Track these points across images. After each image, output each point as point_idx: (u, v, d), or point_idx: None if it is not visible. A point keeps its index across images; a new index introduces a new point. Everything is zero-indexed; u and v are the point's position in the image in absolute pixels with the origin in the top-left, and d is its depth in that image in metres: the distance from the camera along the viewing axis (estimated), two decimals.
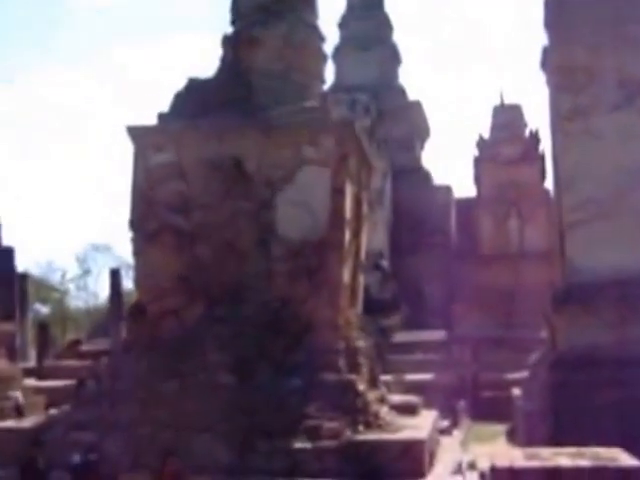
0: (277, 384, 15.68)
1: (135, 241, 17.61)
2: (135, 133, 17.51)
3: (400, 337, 32.23)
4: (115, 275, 52.72)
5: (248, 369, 15.89)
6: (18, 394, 21.59)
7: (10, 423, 18.40)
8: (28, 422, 17.59)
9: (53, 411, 18.14)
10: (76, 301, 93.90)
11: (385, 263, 37.19)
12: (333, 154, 17.00)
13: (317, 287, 16.66)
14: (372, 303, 22.68)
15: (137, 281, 18.19)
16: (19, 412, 19.32)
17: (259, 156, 16.96)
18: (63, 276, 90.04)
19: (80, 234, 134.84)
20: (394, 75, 47.94)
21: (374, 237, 21.14)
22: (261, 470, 14.36)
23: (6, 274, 46.25)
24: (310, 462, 14.46)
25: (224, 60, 18.34)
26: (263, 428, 14.93)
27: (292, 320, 16.51)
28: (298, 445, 14.66)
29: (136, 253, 17.87)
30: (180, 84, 18.10)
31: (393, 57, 47.90)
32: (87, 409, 16.15)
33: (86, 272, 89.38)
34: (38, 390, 32.90)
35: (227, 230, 16.94)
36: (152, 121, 17.87)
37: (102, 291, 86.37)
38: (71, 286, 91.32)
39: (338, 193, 16.98)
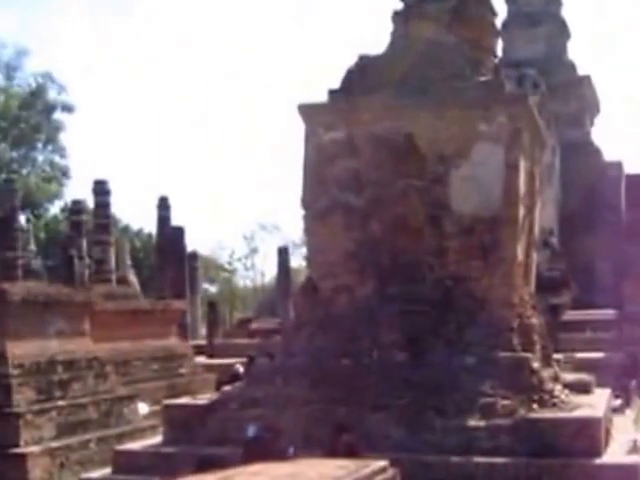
0: (450, 362, 15.55)
1: (306, 219, 17.73)
2: (306, 111, 17.56)
3: (570, 315, 31.89)
4: (283, 253, 53.66)
5: (421, 347, 15.80)
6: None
7: (184, 400, 18.92)
8: (202, 398, 18.01)
9: (226, 388, 18.48)
10: (244, 280, 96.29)
11: (554, 240, 36.61)
12: (507, 129, 16.62)
13: (491, 264, 16.37)
14: (542, 281, 22.23)
15: (308, 258, 18.41)
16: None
17: (431, 132, 16.72)
18: (231, 255, 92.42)
19: (248, 213, 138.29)
20: (563, 50, 47.35)
21: (543, 214, 20.73)
22: (434, 447, 14.31)
23: (176, 253, 47.79)
24: (483, 440, 14.31)
25: (394, 35, 18.16)
26: (436, 405, 14.86)
27: (465, 298, 16.29)
28: (472, 423, 14.52)
29: (307, 231, 18.05)
30: (351, 61, 18.02)
31: (562, 32, 47.34)
32: (260, 386, 16.37)
33: (253, 251, 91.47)
34: (209, 368, 33.87)
35: (399, 207, 16.81)
36: (322, 98, 17.87)
37: (269, 270, 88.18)
38: (239, 265, 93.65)
39: (512, 169, 16.60)
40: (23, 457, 18.86)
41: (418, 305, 16.22)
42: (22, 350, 20.80)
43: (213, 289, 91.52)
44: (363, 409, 15.00)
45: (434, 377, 15.25)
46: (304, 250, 77.49)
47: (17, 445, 19.19)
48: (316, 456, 12.33)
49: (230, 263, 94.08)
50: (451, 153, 16.66)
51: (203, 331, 51.99)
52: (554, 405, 15.29)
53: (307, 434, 14.45)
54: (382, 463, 11.49)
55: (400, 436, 14.61)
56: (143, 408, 25.24)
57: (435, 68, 17.27)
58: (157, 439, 17.59)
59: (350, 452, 12.57)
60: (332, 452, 12.74)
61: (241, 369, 22.55)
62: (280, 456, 12.83)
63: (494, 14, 18.79)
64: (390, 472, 11.47)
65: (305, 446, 13.54)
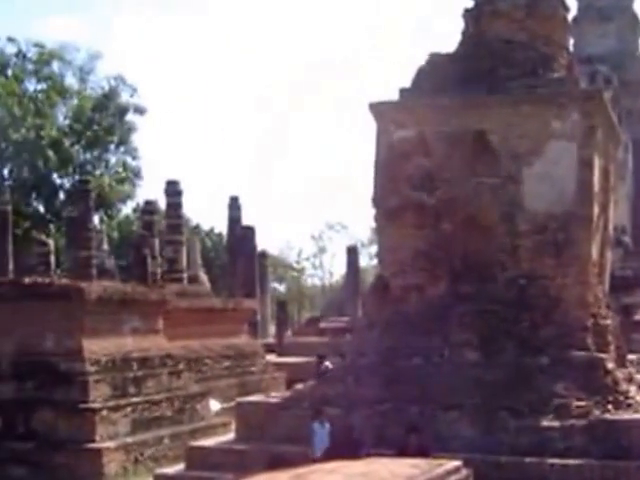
0: (523, 362, 15.45)
1: (377, 218, 17.70)
2: (377, 109, 17.54)
3: None
4: (352, 252, 53.70)
5: (493, 347, 15.71)
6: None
7: (257, 397, 19.04)
8: (274, 396, 18.10)
9: (298, 386, 18.55)
10: (312, 279, 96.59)
11: (627, 239, 36.02)
12: (580, 126, 16.43)
13: (565, 263, 16.19)
14: (614, 280, 21.88)
15: (379, 257, 18.38)
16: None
17: (504, 129, 16.58)
18: (299, 254, 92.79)
19: (316, 213, 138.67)
20: (635, 45, 46.82)
21: (616, 211, 20.44)
22: (507, 447, 14.24)
23: (247, 253, 48.09)
24: (557, 441, 14.25)
25: (466, 33, 18.06)
26: (509, 405, 14.78)
27: (539, 297, 16.13)
28: (545, 423, 14.44)
29: (378, 230, 18.02)
30: (422, 59, 17.98)
31: (634, 26, 46.77)
32: (332, 385, 16.41)
33: (322, 250, 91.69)
34: (279, 366, 34.04)
35: (471, 205, 16.71)
36: (394, 97, 17.85)
37: (337, 269, 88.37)
38: (307, 264, 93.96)
39: (586, 166, 16.40)
40: (99, 452, 19.14)
41: (490, 304, 16.11)
42: (98, 347, 21.12)
43: (282, 288, 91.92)
44: (435, 408, 14.97)
45: (507, 377, 15.15)
46: (372, 249, 77.41)
47: (93, 440, 19.50)
48: (388, 455, 12.34)
49: (298, 262, 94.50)
50: (524, 151, 16.50)
51: (272, 330, 52.26)
52: (629, 406, 15.11)
53: (379, 433, 14.46)
54: (455, 463, 11.45)
55: (473, 436, 14.56)
56: (215, 405, 25.47)
57: (507, 65, 17.14)
58: (229, 436, 17.75)
59: (422, 452, 12.54)
60: (404, 451, 12.73)
61: (330, 365, 22.49)
62: (353, 455, 12.87)
63: (566, 9, 18.57)
64: (463, 472, 11.42)
65: (377, 445, 13.55)
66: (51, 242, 44.09)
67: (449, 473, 10.91)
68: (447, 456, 12.08)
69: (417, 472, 10.80)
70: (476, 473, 11.61)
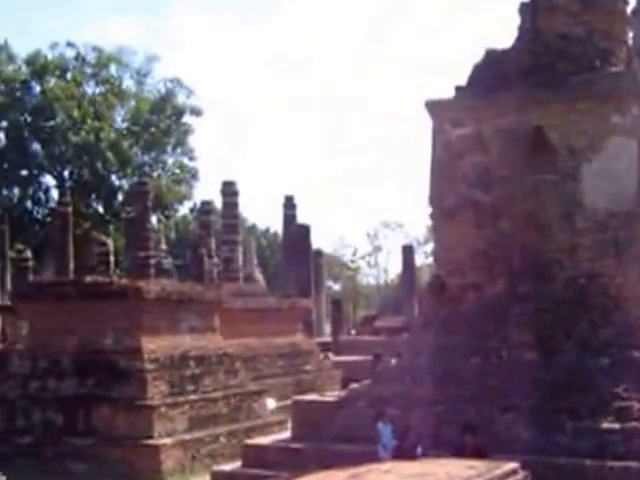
0: (583, 362, 15.16)
1: (434, 216, 17.59)
2: (433, 107, 17.42)
3: None
4: (407, 251, 53.53)
5: (552, 347, 15.48)
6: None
7: (313, 396, 19.05)
8: (330, 395, 18.09)
9: (354, 385, 18.52)
10: (367, 278, 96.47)
11: None
12: None
13: (626, 261, 15.91)
14: None
15: (436, 256, 18.25)
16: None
17: (563, 125, 16.32)
18: (354, 253, 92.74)
19: (371, 211, 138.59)
20: None
21: None
22: (565, 450, 13.99)
23: (302, 252, 48.16)
24: (618, 443, 13.94)
25: (522, 29, 17.82)
26: (568, 407, 14.54)
27: (599, 296, 15.84)
28: (605, 425, 14.15)
29: (435, 228, 17.90)
30: (478, 56, 17.82)
31: None
32: (388, 384, 16.34)
33: (377, 249, 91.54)
34: (334, 364, 34.03)
35: (529, 203, 16.48)
36: (450, 95, 17.72)
37: (392, 268, 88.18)
38: (362, 263, 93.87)
39: None
40: (157, 448, 19.36)
41: (549, 304, 15.89)
42: (156, 345, 21.36)
43: (337, 287, 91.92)
44: (492, 409, 14.81)
45: (566, 378, 14.92)
46: (428, 247, 77.02)
47: (151, 437, 19.72)
48: (444, 456, 12.26)
49: (353, 261, 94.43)
50: (583, 147, 16.24)
51: (327, 328, 52.28)
52: None
53: (435, 433, 14.37)
54: (512, 465, 11.33)
55: (530, 437, 14.35)
56: (271, 403, 25.57)
57: (565, 60, 16.88)
58: (285, 434, 17.78)
59: (479, 453, 12.44)
60: (460, 452, 12.63)
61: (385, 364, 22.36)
62: (409, 455, 12.82)
63: (625, 2, 18.21)
64: (521, 474, 11.30)
65: (433, 446, 13.47)
66: (110, 242, 44.56)
67: (506, 475, 10.81)
68: (504, 457, 11.97)
69: (474, 473, 10.71)
70: (534, 475, 11.48)
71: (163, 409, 20.26)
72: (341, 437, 15.47)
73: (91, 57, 67.91)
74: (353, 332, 46.79)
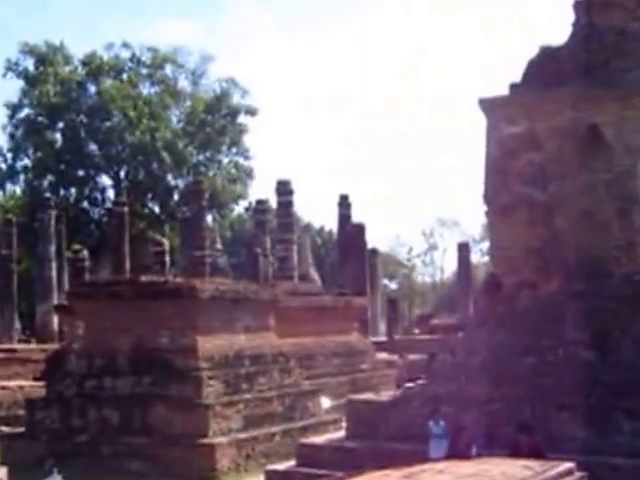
0: None
1: (489, 214, 17.50)
2: (487, 105, 17.31)
3: None
4: (463, 249, 53.23)
5: (609, 345, 15.31)
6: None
7: (367, 395, 19.03)
8: (385, 395, 18.06)
9: (408, 384, 18.47)
10: (422, 276, 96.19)
11: None
12: None
13: None
14: None
15: (491, 254, 18.17)
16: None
17: (618, 123, 16.11)
18: (410, 251, 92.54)
19: (427, 209, 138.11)
20: None
21: None
22: (622, 449, 13.83)
23: (357, 250, 48.13)
24: None
25: (576, 25, 17.65)
26: (625, 406, 14.36)
27: None
28: None
29: (490, 226, 17.82)
30: (532, 53, 17.68)
31: None
32: (442, 383, 16.27)
33: (432, 247, 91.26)
34: (389, 364, 33.96)
35: (584, 200, 16.32)
36: (502, 92, 17.60)
37: (448, 266, 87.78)
38: (418, 261, 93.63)
39: None
40: (212, 447, 19.44)
41: (605, 301, 15.72)
42: (211, 344, 21.47)
43: (392, 285, 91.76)
44: (548, 409, 14.68)
45: (623, 377, 14.72)
46: (484, 245, 76.44)
47: (206, 436, 19.83)
48: (499, 455, 12.18)
49: (409, 259, 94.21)
50: (639, 144, 16.05)
51: (383, 327, 52.17)
52: None
53: (490, 433, 14.27)
54: (568, 465, 11.23)
55: (587, 437, 14.20)
56: (326, 402, 25.56)
57: (620, 57, 16.67)
58: (339, 433, 17.78)
59: (534, 452, 12.33)
60: (515, 452, 12.54)
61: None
62: (463, 455, 12.75)
63: None
64: (577, 475, 11.20)
65: (488, 445, 13.38)
66: (166, 241, 44.99)
67: (561, 475, 10.72)
68: (560, 457, 11.85)
69: (529, 474, 10.64)
70: (590, 476, 11.37)
71: (218, 408, 20.37)
72: (395, 436, 15.44)
73: (146, 58, 68.60)
74: (417, 331, 46.48)
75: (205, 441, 19.67)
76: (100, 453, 20.23)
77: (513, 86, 17.44)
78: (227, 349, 21.87)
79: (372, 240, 55.16)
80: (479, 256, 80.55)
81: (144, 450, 19.79)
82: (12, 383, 26.94)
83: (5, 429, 23.35)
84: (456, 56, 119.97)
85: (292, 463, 16.69)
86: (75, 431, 21.19)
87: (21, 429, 22.60)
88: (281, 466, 16.97)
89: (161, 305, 21.30)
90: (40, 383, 24.96)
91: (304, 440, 17.85)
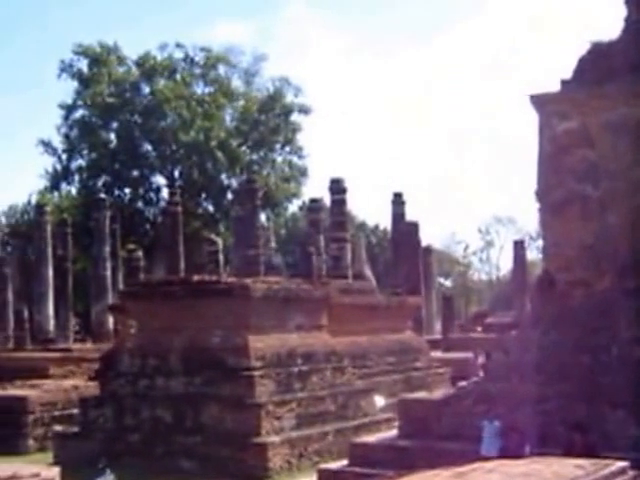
0: None
1: (542, 211, 17.32)
2: (539, 101, 17.13)
3: None
4: (519, 246, 52.78)
5: None
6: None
7: (420, 394, 18.95)
8: (437, 394, 17.97)
9: (462, 383, 18.37)
10: (478, 273, 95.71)
11: None
12: None
13: None
14: None
15: (545, 252, 17.99)
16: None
17: None
18: (465, 249, 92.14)
19: (483, 206, 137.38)
20: None
21: None
22: None
23: (411, 248, 47.95)
24: None
25: (628, 20, 17.37)
26: None
27: None
28: None
29: (542, 223, 17.62)
30: (583, 49, 17.44)
31: None
32: (495, 382, 16.15)
33: (488, 244, 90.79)
34: (444, 362, 33.77)
35: (638, 197, 16.07)
36: (555, 88, 17.40)
37: (504, 263, 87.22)
38: (473, 259, 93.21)
39: None
40: (264, 446, 19.50)
41: None
42: (263, 343, 21.53)
43: (448, 283, 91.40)
44: (602, 407, 14.48)
45: None
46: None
47: (258, 435, 19.89)
48: (553, 455, 12.07)
49: (465, 257, 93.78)
50: None
51: (438, 326, 51.95)
52: None
53: (543, 432, 14.13)
54: (621, 464, 11.11)
55: None
56: (379, 401, 25.48)
57: None
58: (392, 432, 17.72)
59: (588, 452, 12.21)
60: (569, 451, 12.43)
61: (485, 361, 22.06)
62: (516, 454, 12.66)
63: None
64: (630, 474, 11.08)
65: (541, 444, 13.26)
66: (220, 241, 45.22)
67: (614, 474, 10.61)
68: (615, 456, 11.72)
69: (581, 473, 10.55)
70: None
71: (270, 407, 20.42)
72: (447, 435, 15.34)
73: (199, 58, 69.06)
74: (479, 329, 46.03)
75: (257, 440, 19.73)
76: (153, 452, 20.42)
77: (564, 82, 17.25)
78: (279, 348, 21.92)
79: (427, 238, 55.00)
80: (536, 253, 79.93)
81: (196, 449, 19.94)
82: (66, 382, 27.25)
83: (59, 428, 23.64)
84: (506, 52, 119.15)
85: (344, 462, 16.67)
86: (128, 430, 21.41)
87: (75, 428, 22.90)
88: (333, 465, 16.94)
89: (213, 304, 21.41)
90: (94, 382, 25.21)
91: (356, 439, 17.80)
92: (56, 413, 25.15)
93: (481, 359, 31.83)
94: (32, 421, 24.60)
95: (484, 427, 14.23)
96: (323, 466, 17.29)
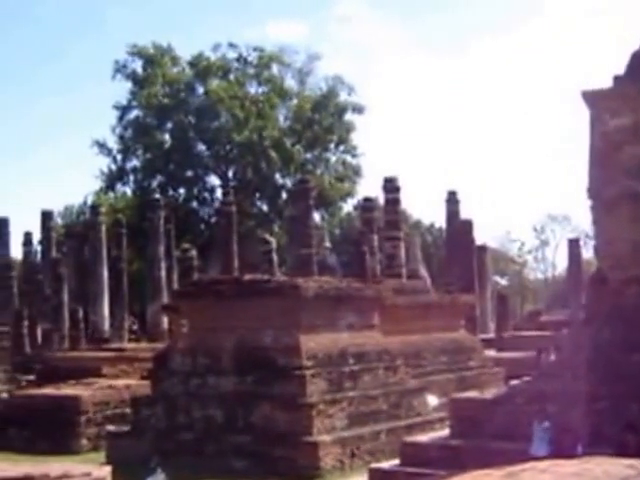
0: None
1: (594, 209, 17.12)
2: (591, 97, 16.93)
3: None
4: (574, 245, 52.28)
5: None
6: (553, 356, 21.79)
7: (471, 393, 18.80)
8: (489, 393, 17.83)
9: (514, 382, 18.23)
10: (534, 272, 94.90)
11: None
12: None
13: None
14: None
15: (597, 250, 17.78)
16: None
17: None
18: (521, 247, 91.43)
19: (538, 204, 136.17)
20: None
21: None
22: None
23: (465, 247, 47.71)
24: None
25: None
26: None
27: None
28: None
29: (595, 221, 17.42)
30: (636, 45, 17.20)
31: None
32: (548, 381, 16.01)
33: (544, 243, 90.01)
34: (498, 361, 33.50)
35: None
36: (605, 84, 17.19)
37: (560, 262, 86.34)
38: (529, 257, 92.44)
39: None
40: (315, 445, 19.52)
41: None
42: (315, 343, 21.55)
43: (503, 282, 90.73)
44: None
45: None
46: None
47: (310, 434, 19.91)
48: (605, 454, 11.92)
49: (520, 255, 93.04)
50: None
51: (492, 324, 51.59)
52: None
53: (596, 431, 13.97)
54: None
55: None
56: (432, 400, 25.36)
57: None
58: (444, 432, 17.63)
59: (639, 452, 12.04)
60: (622, 451, 12.26)
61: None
62: (568, 453, 12.52)
63: None
64: None
65: (594, 444, 13.11)
66: (274, 240, 45.38)
67: None
68: None
69: (633, 473, 10.39)
70: None
71: (322, 406, 20.43)
72: (499, 435, 15.23)
73: (253, 58, 69.35)
74: (533, 328, 45.37)
75: (309, 439, 19.76)
76: (204, 451, 20.52)
77: (617, 78, 17.03)
78: (331, 347, 21.92)
79: (482, 237, 54.65)
80: (591, 252, 79.11)
81: (248, 448, 19.99)
82: (119, 382, 27.51)
83: (111, 428, 23.88)
84: (559, 49, 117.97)
85: (396, 462, 16.63)
86: (179, 429, 21.56)
87: (127, 428, 23.11)
88: (385, 465, 16.92)
89: (264, 303, 21.48)
90: (146, 382, 25.41)
91: (408, 439, 17.74)
92: (108, 412, 25.37)
93: (552, 356, 31.45)
94: (85, 421, 24.84)
95: (535, 427, 14.12)
96: (374, 465, 17.27)
